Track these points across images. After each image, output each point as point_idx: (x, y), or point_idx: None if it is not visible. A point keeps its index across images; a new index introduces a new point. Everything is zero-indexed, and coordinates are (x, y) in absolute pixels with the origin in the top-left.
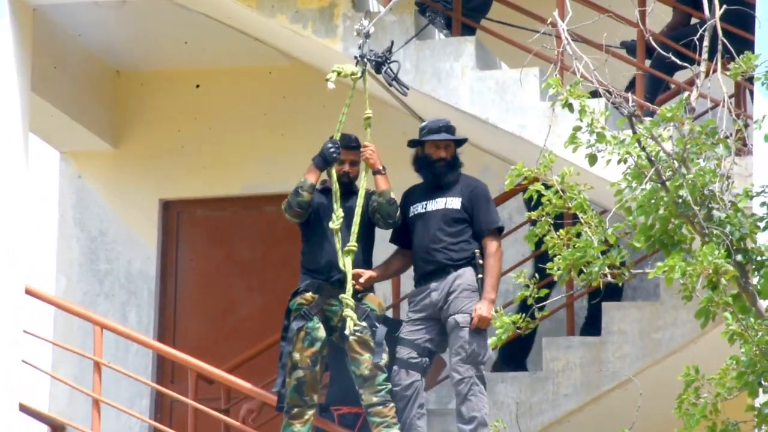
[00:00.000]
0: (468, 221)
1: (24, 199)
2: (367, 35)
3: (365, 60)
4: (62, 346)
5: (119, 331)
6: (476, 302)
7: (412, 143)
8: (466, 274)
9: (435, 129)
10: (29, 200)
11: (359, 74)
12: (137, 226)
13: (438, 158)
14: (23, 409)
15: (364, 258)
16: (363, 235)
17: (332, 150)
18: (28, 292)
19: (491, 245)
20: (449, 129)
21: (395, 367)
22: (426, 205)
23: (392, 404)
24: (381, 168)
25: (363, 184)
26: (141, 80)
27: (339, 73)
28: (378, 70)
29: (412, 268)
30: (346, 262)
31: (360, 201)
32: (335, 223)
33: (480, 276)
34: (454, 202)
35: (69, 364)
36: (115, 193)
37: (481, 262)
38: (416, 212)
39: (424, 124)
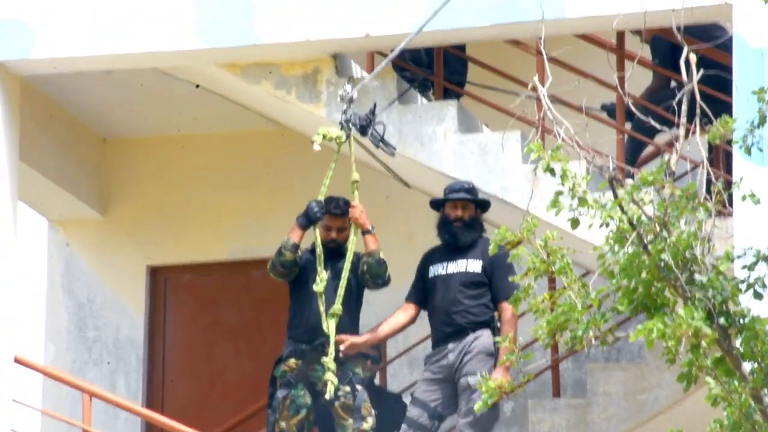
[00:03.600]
0: (488, 284)
1: (13, 267)
2: (351, 100)
3: (350, 124)
4: (51, 414)
5: (108, 399)
6: (491, 365)
7: (433, 204)
8: (484, 337)
9: (456, 189)
10: (18, 268)
11: (344, 138)
12: (125, 292)
13: (455, 218)
14: None
15: (350, 321)
16: (350, 299)
17: (316, 210)
18: (17, 360)
19: (507, 311)
20: (470, 191)
21: (404, 426)
22: (447, 266)
23: None
24: (370, 228)
25: (351, 246)
26: (127, 147)
27: (324, 136)
28: (363, 133)
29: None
30: (329, 326)
31: (347, 264)
32: (319, 285)
33: (496, 340)
34: (475, 265)
35: None
36: (102, 260)
37: (499, 325)
38: (436, 273)
39: (446, 186)
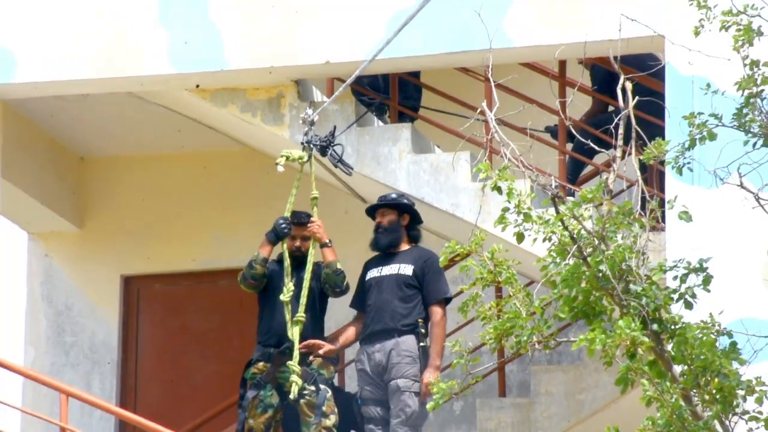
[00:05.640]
0: (419, 288)
1: None
2: (312, 123)
3: (311, 145)
4: (31, 413)
5: (84, 399)
6: (416, 368)
7: (368, 212)
8: (408, 341)
9: (380, 199)
10: (0, 278)
11: (306, 158)
12: (100, 300)
13: (377, 224)
14: None
15: (315, 326)
16: (314, 305)
17: (284, 226)
18: None
19: (436, 314)
20: (388, 199)
21: (371, 426)
22: (381, 270)
23: None
24: (327, 241)
25: (311, 258)
26: (103, 165)
27: (287, 158)
28: (323, 153)
29: None
30: (294, 332)
31: (308, 275)
32: (285, 295)
33: (422, 344)
34: (406, 269)
35: (37, 429)
36: (79, 270)
37: (423, 330)
38: (372, 276)
39: None
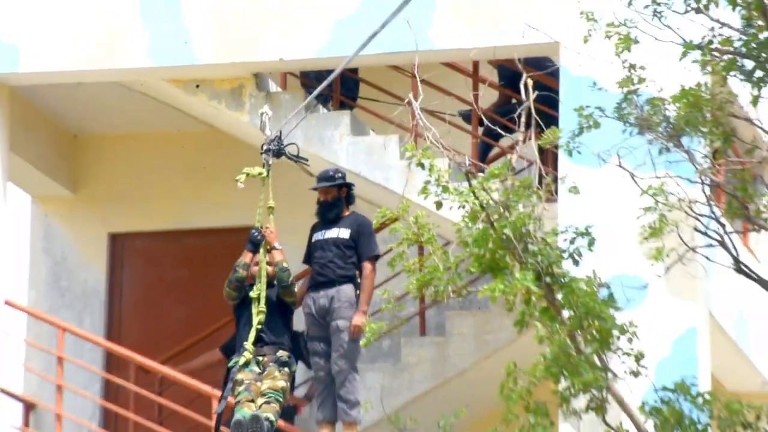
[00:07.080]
0: (354, 248)
1: (3, 233)
2: (264, 129)
3: (269, 153)
4: (33, 344)
5: (77, 333)
6: (353, 311)
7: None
8: (347, 290)
9: (320, 179)
10: (7, 233)
11: (265, 174)
12: (90, 253)
13: (322, 200)
14: (3, 392)
15: (282, 326)
16: (279, 307)
17: (256, 234)
18: (7, 303)
19: (366, 268)
20: (328, 178)
21: (315, 359)
22: (324, 233)
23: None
24: (276, 245)
25: (263, 264)
26: (94, 141)
27: (248, 175)
28: (278, 156)
29: None
30: (255, 321)
31: (263, 271)
32: (254, 292)
33: (358, 292)
34: (345, 233)
35: (38, 358)
36: (73, 228)
37: (359, 281)
38: (317, 239)
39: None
